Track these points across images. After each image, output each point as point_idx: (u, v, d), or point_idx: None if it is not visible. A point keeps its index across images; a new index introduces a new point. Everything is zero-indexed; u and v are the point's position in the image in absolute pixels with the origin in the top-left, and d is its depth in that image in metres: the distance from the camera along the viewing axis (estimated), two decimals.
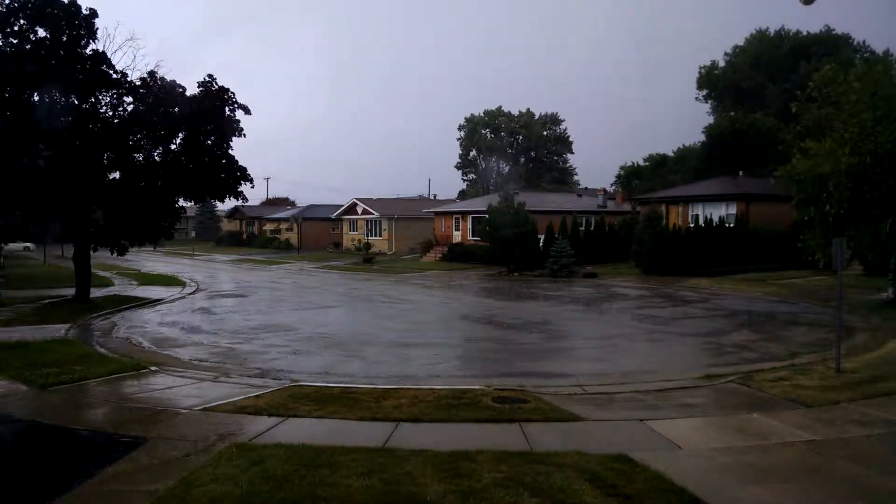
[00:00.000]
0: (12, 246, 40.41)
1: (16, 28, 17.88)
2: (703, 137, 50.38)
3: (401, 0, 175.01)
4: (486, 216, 36.83)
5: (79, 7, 18.38)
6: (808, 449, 7.01)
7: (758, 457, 6.76)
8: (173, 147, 20.39)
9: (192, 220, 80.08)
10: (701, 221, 33.35)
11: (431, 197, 75.22)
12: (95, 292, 22.00)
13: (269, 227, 70.40)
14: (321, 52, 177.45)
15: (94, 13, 18.63)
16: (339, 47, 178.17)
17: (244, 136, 20.88)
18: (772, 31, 57.40)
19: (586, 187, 71.54)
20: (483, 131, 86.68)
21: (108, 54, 19.08)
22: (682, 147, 57.93)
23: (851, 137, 16.04)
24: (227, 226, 79.57)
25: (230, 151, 20.99)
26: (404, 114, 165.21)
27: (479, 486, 5.80)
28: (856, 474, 6.35)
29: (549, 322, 18.21)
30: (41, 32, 18.19)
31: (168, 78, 19.68)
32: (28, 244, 50.14)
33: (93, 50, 18.84)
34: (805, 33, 54.85)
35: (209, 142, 20.51)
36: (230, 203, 23.72)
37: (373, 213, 55.76)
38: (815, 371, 10.69)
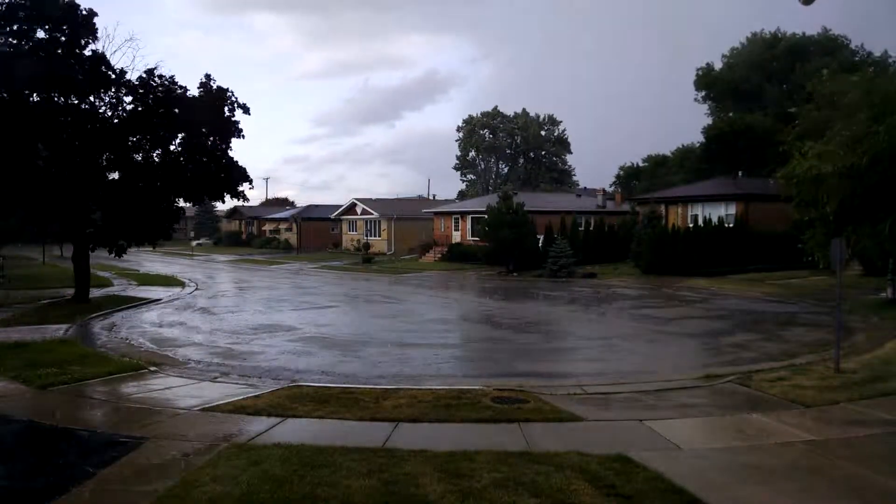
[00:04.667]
0: None
1: (14, 28, 17.85)
2: (702, 138, 50.43)
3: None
4: (485, 216, 36.84)
5: (77, 6, 18.34)
6: (808, 449, 7.01)
7: (757, 457, 6.77)
8: (172, 147, 20.38)
9: (191, 221, 79.96)
10: (700, 221, 33.37)
11: (431, 197, 75.22)
12: (95, 292, 21.97)
13: (268, 227, 70.40)
14: (321, 51, 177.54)
15: (92, 13, 18.60)
16: (340, 46, 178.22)
17: (243, 136, 20.88)
18: (768, 32, 57.42)
19: (585, 188, 71.52)
20: (482, 132, 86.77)
21: (108, 55, 19.07)
22: (681, 147, 57.98)
23: (850, 137, 16.03)
24: (226, 226, 79.54)
25: (229, 152, 21.01)
26: (404, 113, 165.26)
27: (478, 486, 5.81)
28: (855, 474, 6.35)
29: (548, 322, 18.22)
30: (40, 33, 18.17)
31: (167, 76, 19.66)
32: None
33: (92, 50, 18.84)
34: (802, 34, 54.90)
35: (209, 142, 20.49)
36: (230, 203, 23.78)
37: (372, 214, 55.73)
38: (815, 371, 10.70)
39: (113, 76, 19.07)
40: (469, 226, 44.91)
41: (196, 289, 26.77)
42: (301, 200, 79.60)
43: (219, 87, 20.29)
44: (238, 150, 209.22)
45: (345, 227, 60.90)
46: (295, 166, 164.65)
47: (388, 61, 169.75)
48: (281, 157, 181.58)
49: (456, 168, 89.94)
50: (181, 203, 21.93)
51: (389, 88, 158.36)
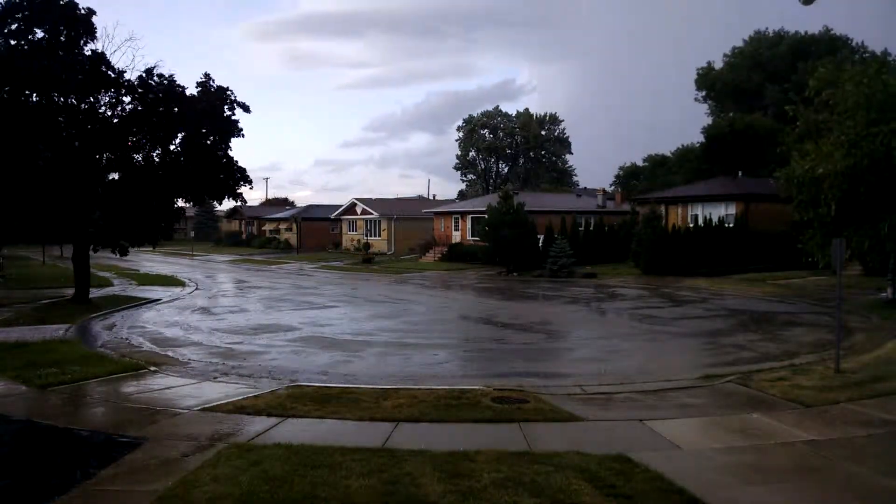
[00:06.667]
0: None
1: (13, 28, 17.83)
2: (702, 138, 50.38)
3: None
4: (486, 216, 36.84)
5: (76, 5, 18.32)
6: (808, 449, 7.01)
7: (757, 457, 6.77)
8: (172, 147, 20.35)
9: (191, 221, 79.93)
10: (700, 221, 33.35)
11: (431, 197, 75.22)
12: (95, 292, 21.97)
13: (268, 227, 70.39)
14: (394, 63, 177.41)
15: (91, 12, 18.57)
16: (341, 46, 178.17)
17: (243, 136, 20.86)
18: (770, 32, 57.40)
19: (585, 187, 71.53)
20: (482, 131, 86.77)
21: (108, 54, 19.03)
22: (681, 147, 57.91)
23: (848, 139, 16.03)
24: (226, 226, 79.49)
25: (229, 152, 20.99)
26: (404, 112, 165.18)
27: (478, 486, 5.81)
28: (855, 474, 6.36)
29: (548, 322, 18.21)
30: (39, 33, 18.14)
31: (167, 76, 19.63)
32: None
33: (91, 50, 18.82)
34: (803, 34, 54.90)
35: (208, 142, 20.46)
36: (229, 203, 23.67)
37: (372, 214, 55.72)
38: (815, 371, 10.70)
39: (112, 76, 19.05)
40: (469, 226, 44.90)
41: (196, 289, 26.78)
42: (314, 201, 79.48)
43: (218, 87, 20.25)
44: (248, 151, 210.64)
45: (345, 227, 60.89)
46: (323, 168, 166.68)
47: (458, 72, 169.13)
48: (314, 159, 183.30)
49: (456, 168, 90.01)
50: (181, 203, 21.93)
51: (454, 97, 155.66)
